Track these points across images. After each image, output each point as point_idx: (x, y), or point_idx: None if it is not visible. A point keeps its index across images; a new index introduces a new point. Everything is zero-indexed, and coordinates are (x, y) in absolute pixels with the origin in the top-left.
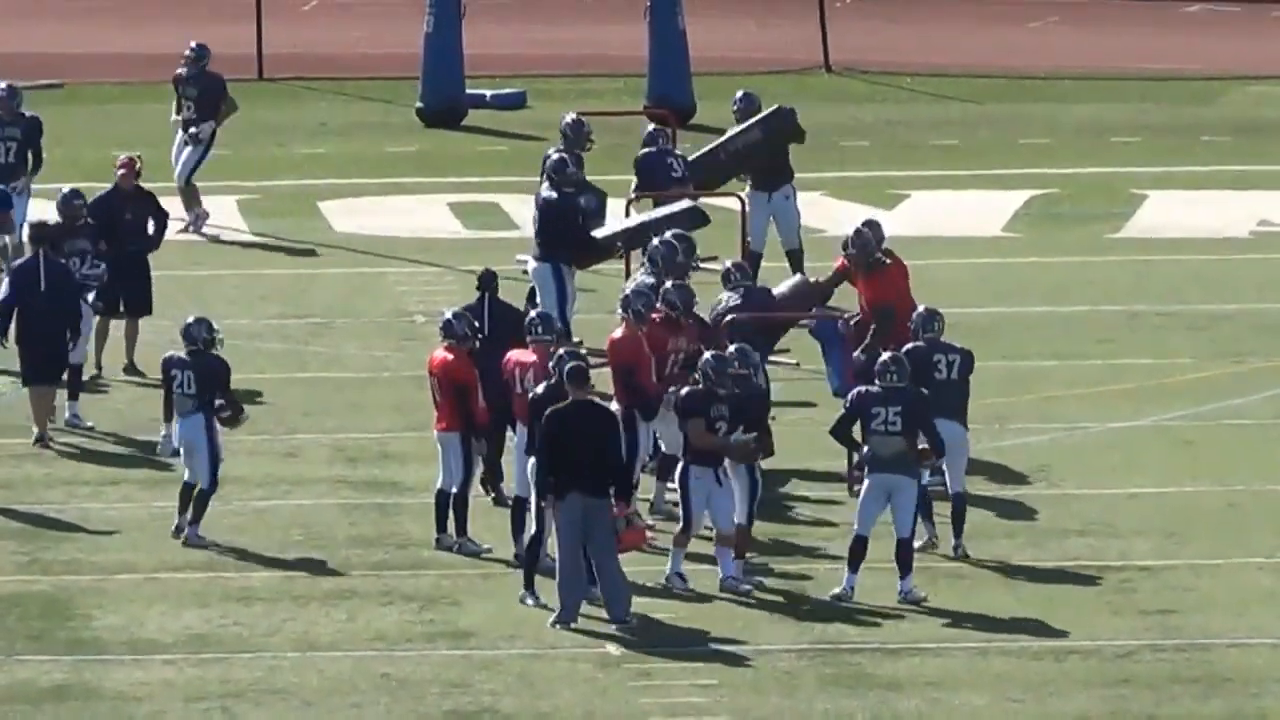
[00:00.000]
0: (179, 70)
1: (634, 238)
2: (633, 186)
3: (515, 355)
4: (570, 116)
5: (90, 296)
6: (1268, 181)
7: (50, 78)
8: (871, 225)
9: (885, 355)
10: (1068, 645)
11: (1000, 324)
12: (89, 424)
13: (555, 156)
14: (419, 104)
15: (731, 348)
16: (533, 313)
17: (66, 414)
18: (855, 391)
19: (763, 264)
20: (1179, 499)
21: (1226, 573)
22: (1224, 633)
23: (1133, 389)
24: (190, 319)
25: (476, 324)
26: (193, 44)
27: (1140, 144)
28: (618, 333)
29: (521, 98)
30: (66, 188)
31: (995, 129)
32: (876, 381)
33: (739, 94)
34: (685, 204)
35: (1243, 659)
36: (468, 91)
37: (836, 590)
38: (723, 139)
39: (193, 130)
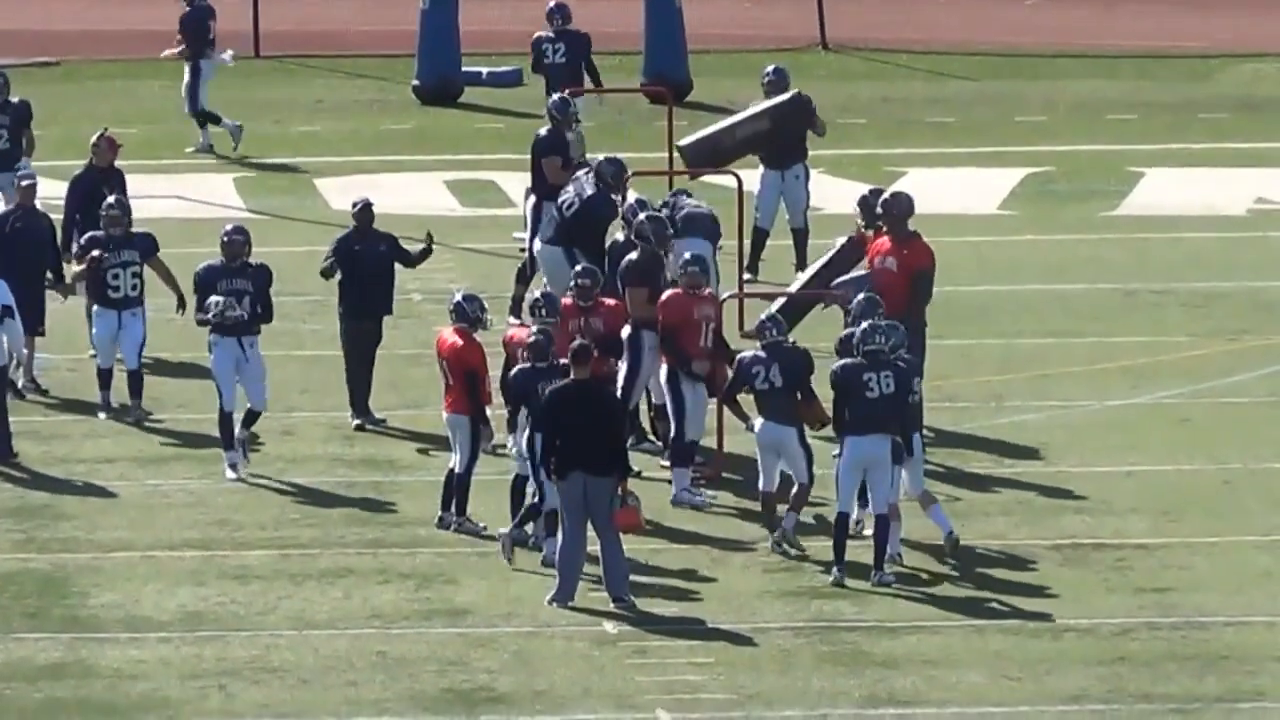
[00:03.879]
0: None
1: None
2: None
3: (517, 334)
4: (556, 96)
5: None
6: (1265, 159)
7: (46, 55)
8: (873, 193)
9: (867, 323)
10: (1064, 623)
11: (996, 302)
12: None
13: (603, 158)
14: (415, 81)
15: (764, 316)
16: (536, 293)
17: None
18: (839, 365)
19: (767, 242)
20: (1175, 477)
21: (1222, 551)
22: (1220, 611)
23: (1129, 367)
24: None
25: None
26: None
27: (1137, 121)
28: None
29: (518, 75)
30: (230, 225)
31: (992, 106)
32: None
33: (769, 68)
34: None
35: (1238, 637)
36: (464, 69)
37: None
38: (729, 122)
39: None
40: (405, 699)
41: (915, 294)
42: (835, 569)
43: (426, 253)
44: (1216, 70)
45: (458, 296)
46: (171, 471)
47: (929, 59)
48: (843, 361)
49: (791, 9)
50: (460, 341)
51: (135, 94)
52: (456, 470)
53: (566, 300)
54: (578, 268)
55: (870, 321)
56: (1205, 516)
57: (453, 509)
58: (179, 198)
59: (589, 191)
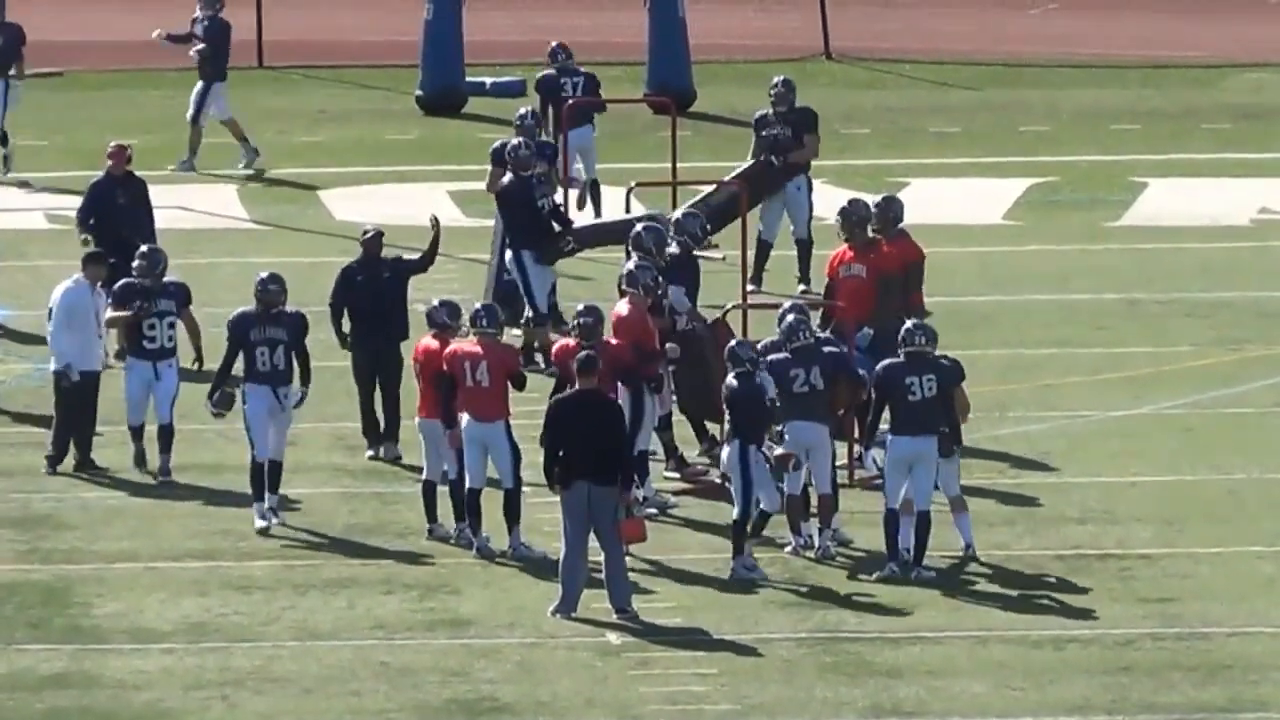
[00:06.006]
0: None
1: (596, 238)
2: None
3: (462, 346)
4: (523, 109)
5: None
6: (1268, 169)
7: (48, 65)
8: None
9: (910, 323)
10: (1067, 633)
11: (1000, 312)
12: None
13: (514, 142)
14: (418, 91)
15: (792, 318)
16: (476, 304)
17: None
18: (881, 366)
19: (771, 254)
20: (1179, 487)
21: (1226, 560)
22: (1223, 620)
23: (1133, 376)
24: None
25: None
26: None
27: (1140, 131)
28: (623, 309)
29: (521, 85)
30: (265, 272)
31: (995, 116)
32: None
33: (777, 79)
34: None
35: (1242, 647)
36: (467, 79)
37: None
38: (705, 195)
39: None
40: (408, 709)
41: (883, 297)
42: (889, 564)
43: (435, 241)
44: (1220, 80)
45: (434, 302)
46: (174, 482)
47: (932, 68)
48: (885, 363)
49: (795, 18)
50: (435, 345)
51: (137, 103)
52: (452, 478)
53: (569, 342)
54: (579, 306)
55: (914, 321)
56: (1209, 526)
57: (438, 518)
58: (182, 208)
59: (503, 183)
